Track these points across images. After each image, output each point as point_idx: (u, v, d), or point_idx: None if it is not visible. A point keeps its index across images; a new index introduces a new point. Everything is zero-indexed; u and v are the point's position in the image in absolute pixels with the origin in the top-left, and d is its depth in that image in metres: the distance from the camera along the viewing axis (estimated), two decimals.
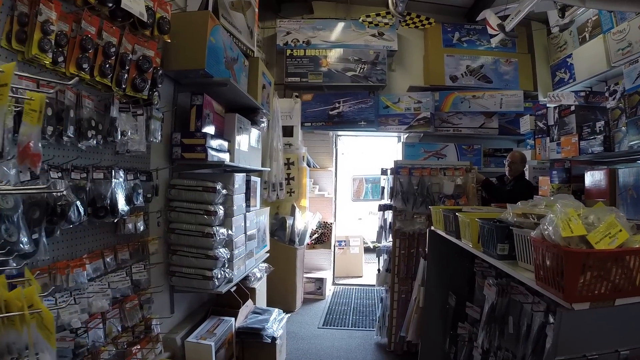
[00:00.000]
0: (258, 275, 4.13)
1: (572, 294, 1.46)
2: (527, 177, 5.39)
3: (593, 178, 3.92)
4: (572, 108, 4.38)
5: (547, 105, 4.88)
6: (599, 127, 3.93)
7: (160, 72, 2.57)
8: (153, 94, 2.51)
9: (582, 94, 4.35)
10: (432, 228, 3.45)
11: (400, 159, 6.38)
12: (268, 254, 4.51)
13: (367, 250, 8.24)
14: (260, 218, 4.17)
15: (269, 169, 5.59)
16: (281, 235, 5.95)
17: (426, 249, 3.62)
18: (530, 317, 2.07)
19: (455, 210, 2.90)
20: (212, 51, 2.99)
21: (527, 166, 5.44)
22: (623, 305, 1.51)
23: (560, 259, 1.48)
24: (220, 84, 3.12)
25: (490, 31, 5.26)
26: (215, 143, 3.08)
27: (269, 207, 4.80)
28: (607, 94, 3.88)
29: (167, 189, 2.98)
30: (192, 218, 2.95)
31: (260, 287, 4.49)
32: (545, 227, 1.59)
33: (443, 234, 3.11)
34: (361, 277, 7.82)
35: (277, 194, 5.81)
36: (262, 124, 4.27)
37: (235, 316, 3.62)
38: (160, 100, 2.62)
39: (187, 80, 3.12)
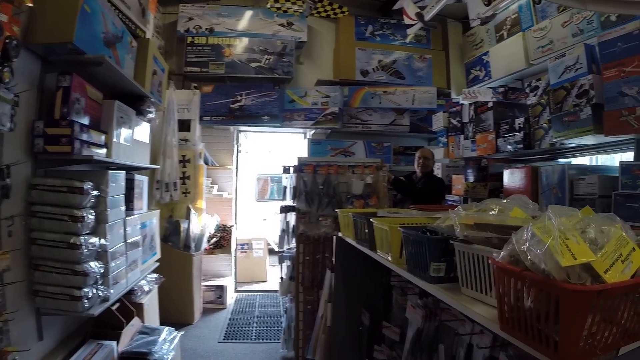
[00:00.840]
0: (146, 288, 3.57)
1: (572, 352, 0.98)
2: (439, 175, 5.33)
3: (513, 176, 3.79)
4: (490, 104, 4.26)
5: (462, 101, 4.76)
6: (519, 124, 3.82)
7: (15, 42, 2.04)
8: (2, 70, 2.01)
9: (501, 90, 4.25)
10: (340, 235, 3.10)
11: (306, 156, 5.98)
12: (158, 263, 3.95)
13: (272, 252, 7.81)
14: (147, 222, 3.63)
15: (159, 167, 5.09)
16: (175, 240, 5.42)
17: (333, 259, 3.25)
18: (469, 349, 1.78)
19: (369, 214, 2.57)
20: (86, 22, 2.52)
21: (439, 164, 5.42)
22: (629, 353, 1.09)
23: (555, 300, 0.98)
24: (94, 62, 2.63)
25: (407, 20, 5.03)
26: (87, 134, 2.56)
27: (159, 210, 4.20)
28: (527, 90, 3.79)
29: (27, 190, 2.42)
30: (56, 225, 2.41)
31: (150, 302, 3.96)
32: (528, 249, 1.05)
33: (353, 242, 2.75)
34: (265, 281, 7.51)
35: (171, 195, 5.29)
36: (150, 115, 3.71)
37: (118, 339, 3.10)
38: (15, 78, 2.09)
39: (56, 57, 2.57)
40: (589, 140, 3.23)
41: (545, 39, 4.26)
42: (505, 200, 1.64)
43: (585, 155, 3.91)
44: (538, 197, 3.43)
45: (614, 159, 3.85)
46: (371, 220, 2.33)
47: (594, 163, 4.09)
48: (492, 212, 1.54)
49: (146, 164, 3.90)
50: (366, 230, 2.45)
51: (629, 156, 3.12)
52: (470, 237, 1.43)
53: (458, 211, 1.57)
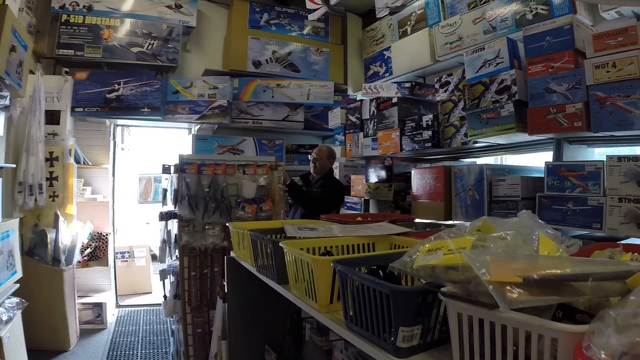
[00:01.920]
0: (4, 317, 2.95)
1: None
2: (335, 176, 4.96)
3: (422, 177, 3.57)
4: (395, 100, 4.08)
5: (362, 97, 4.58)
6: (427, 121, 3.67)
7: None
8: None
9: (407, 85, 4.11)
10: (233, 255, 2.61)
11: (190, 154, 5.46)
12: (19, 284, 3.30)
13: (157, 259, 7.18)
14: (2, 235, 3.00)
15: (18, 166, 4.30)
16: (42, 253, 4.53)
17: (224, 283, 2.78)
18: None
19: (271, 230, 2.27)
20: None
21: (336, 163, 5.06)
22: None
23: None
24: None
25: (309, 5, 4.80)
26: None
27: (18, 219, 3.59)
28: (437, 86, 3.65)
29: None
30: None
31: (13, 333, 3.19)
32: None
33: (251, 269, 2.22)
34: (150, 292, 6.88)
35: (36, 199, 4.44)
36: (3, 101, 3.13)
37: None
38: None
39: None
40: (507, 138, 3.14)
41: (455, 35, 4.16)
42: (514, 219, 1.27)
43: (492, 155, 3.85)
44: (452, 200, 3.29)
45: (522, 160, 3.84)
46: (281, 245, 1.72)
47: (499, 163, 4.03)
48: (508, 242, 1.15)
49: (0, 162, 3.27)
50: (271, 257, 1.91)
51: (546, 156, 3.06)
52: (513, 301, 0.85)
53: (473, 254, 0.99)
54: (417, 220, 3.06)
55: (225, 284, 2.74)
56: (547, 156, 2.99)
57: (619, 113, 2.37)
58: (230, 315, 2.70)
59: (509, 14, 3.59)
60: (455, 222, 3.31)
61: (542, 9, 3.30)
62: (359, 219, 2.84)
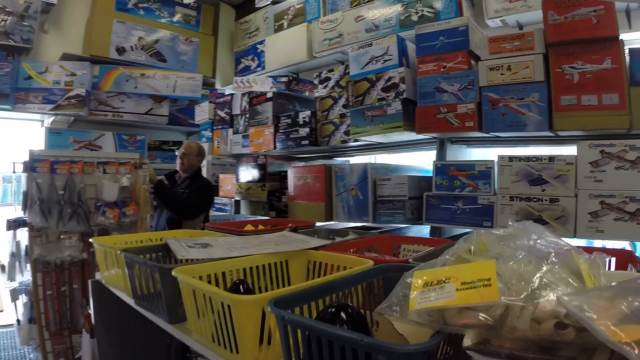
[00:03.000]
0: None
1: None
2: (204, 175, 4.50)
3: (300, 176, 3.39)
4: (269, 95, 3.85)
5: (232, 91, 4.33)
6: (304, 118, 3.49)
7: None
8: None
9: (284, 79, 3.94)
10: (99, 278, 2.11)
11: (43, 149, 4.57)
12: None
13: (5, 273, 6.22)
14: None
15: None
16: None
17: (90, 313, 2.24)
18: None
19: (153, 248, 1.85)
20: None
21: (203, 162, 4.58)
22: None
23: None
24: None
25: None
26: None
27: None
28: (316, 82, 3.52)
29: None
30: None
31: None
32: None
33: (127, 299, 1.79)
34: (2, 311, 5.80)
35: None
36: None
37: None
38: None
39: None
40: (388, 137, 3.05)
41: (335, 31, 4.02)
42: (510, 231, 1.08)
43: (369, 154, 3.77)
44: (332, 200, 3.15)
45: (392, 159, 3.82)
46: (176, 276, 1.28)
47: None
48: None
49: None
50: (158, 285, 1.47)
51: (422, 156, 3.04)
52: None
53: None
54: (317, 224, 2.83)
55: (91, 313, 2.20)
56: (424, 156, 2.99)
57: (512, 114, 2.37)
58: (101, 353, 2.18)
59: (393, 14, 3.53)
60: (336, 222, 3.22)
61: (429, 12, 3.30)
62: (249, 226, 2.60)
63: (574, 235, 2.22)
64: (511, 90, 2.39)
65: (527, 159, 2.32)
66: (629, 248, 2.41)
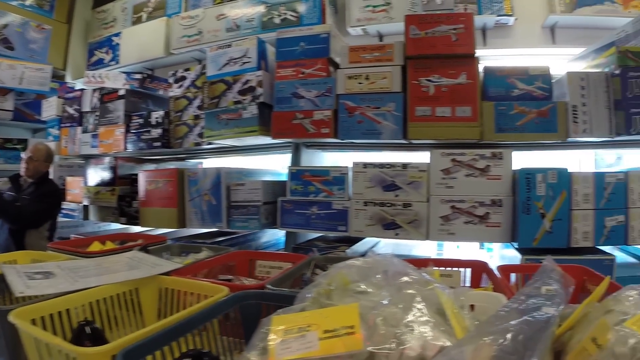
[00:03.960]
0: None
1: None
2: (52, 178, 3.84)
3: (152, 180, 3.09)
4: (122, 92, 3.54)
5: (83, 86, 3.97)
6: (157, 118, 3.24)
7: None
8: None
9: (138, 76, 3.68)
10: None
11: None
12: None
13: None
14: None
15: None
16: None
17: None
18: None
19: None
20: None
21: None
22: None
23: None
24: None
25: None
26: None
27: None
28: (171, 80, 3.30)
29: None
30: None
31: None
32: None
33: None
34: None
35: None
36: None
37: None
38: None
39: None
40: (244, 141, 2.90)
41: (194, 28, 3.84)
42: (368, 262, 1.03)
43: (223, 157, 3.54)
44: (185, 205, 2.94)
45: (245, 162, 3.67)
46: (20, 327, 1.02)
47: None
48: None
49: None
50: None
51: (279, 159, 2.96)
52: None
53: None
54: (168, 241, 2.56)
55: None
56: (281, 159, 2.92)
57: (367, 123, 2.36)
58: None
59: (256, 15, 3.43)
60: (193, 229, 3.03)
61: (292, 15, 3.25)
62: (96, 244, 2.32)
63: (427, 238, 2.27)
64: (368, 99, 2.38)
65: (381, 165, 2.32)
66: (480, 249, 2.52)
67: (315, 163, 2.89)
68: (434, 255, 2.87)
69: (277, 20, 3.33)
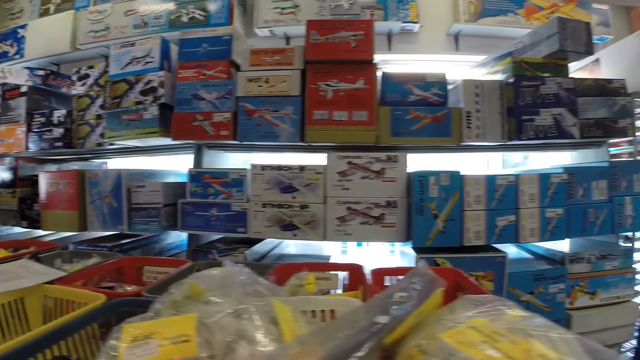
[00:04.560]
0: None
1: None
2: None
3: (52, 182, 2.91)
4: (24, 89, 3.35)
5: None
6: (59, 117, 3.10)
7: None
8: None
9: (41, 73, 3.51)
10: None
11: None
12: None
13: None
14: None
15: None
16: None
17: None
18: None
19: None
20: None
21: None
22: None
23: None
24: None
25: None
26: None
27: None
28: (74, 78, 3.18)
29: None
30: None
31: None
32: None
33: None
34: None
35: None
36: None
37: None
38: None
39: None
40: (146, 141, 2.81)
41: (102, 23, 3.70)
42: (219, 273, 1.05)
43: (127, 157, 3.43)
44: (87, 208, 2.82)
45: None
46: None
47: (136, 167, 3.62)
48: None
49: None
50: None
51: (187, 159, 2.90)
52: None
53: None
54: (58, 247, 2.43)
55: None
56: (188, 159, 2.87)
57: (266, 125, 2.35)
58: None
59: (164, 12, 3.35)
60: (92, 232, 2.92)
61: (200, 14, 3.19)
62: None
63: (324, 239, 2.29)
64: (267, 102, 2.37)
65: (279, 167, 2.32)
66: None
67: (220, 164, 2.86)
68: (338, 255, 2.91)
69: (185, 19, 3.27)
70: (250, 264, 1.74)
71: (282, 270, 1.59)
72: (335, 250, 2.94)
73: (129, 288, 1.71)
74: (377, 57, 2.40)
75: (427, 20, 3.62)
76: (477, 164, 3.55)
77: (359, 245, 3.02)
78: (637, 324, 2.69)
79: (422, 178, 2.19)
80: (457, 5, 3.64)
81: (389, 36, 3.51)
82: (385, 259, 2.76)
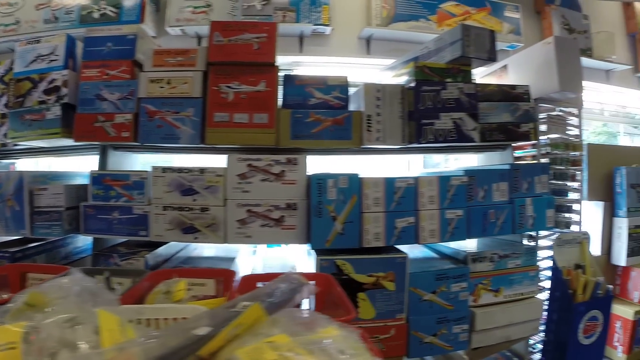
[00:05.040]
0: None
1: None
2: None
3: None
4: None
5: None
6: None
7: None
8: None
9: None
10: None
11: None
12: None
13: None
14: None
15: None
16: None
17: None
18: None
19: None
20: None
21: None
22: None
23: None
24: None
25: None
26: None
27: None
28: None
29: None
30: None
31: None
32: None
33: None
34: None
35: None
36: None
37: None
38: None
39: None
40: (52, 142, 2.72)
41: (12, 17, 3.55)
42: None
43: (34, 158, 3.31)
44: None
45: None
46: None
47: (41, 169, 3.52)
48: None
49: None
50: None
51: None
52: None
53: None
54: None
55: None
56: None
57: (167, 127, 2.32)
58: None
59: (75, 7, 3.25)
60: None
61: (112, 11, 3.11)
62: None
63: (225, 241, 2.27)
64: (169, 104, 2.33)
65: (180, 170, 2.28)
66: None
67: (127, 166, 2.80)
68: (247, 256, 2.91)
69: (96, 15, 3.18)
70: (123, 271, 1.72)
71: (154, 277, 1.56)
72: (246, 252, 2.93)
73: (5, 296, 1.67)
74: (289, 59, 2.41)
75: (340, 23, 3.65)
76: (396, 166, 3.60)
77: (270, 246, 3.02)
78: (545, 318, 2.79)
79: (320, 181, 2.20)
80: (370, 9, 3.69)
81: (301, 38, 3.51)
82: (300, 259, 2.75)
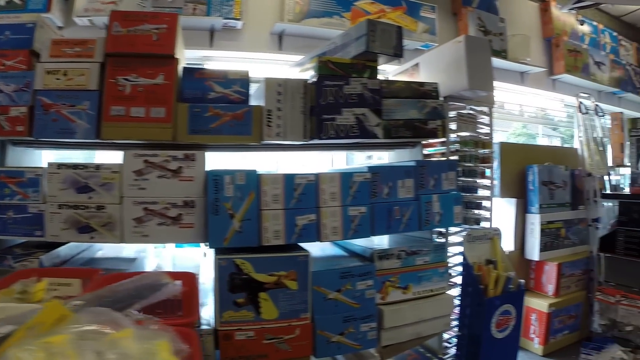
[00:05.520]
0: None
1: None
2: None
3: None
4: None
5: None
6: None
7: None
8: None
9: None
10: None
11: None
12: None
13: None
14: None
15: None
16: None
17: None
18: None
19: None
20: None
21: None
22: None
23: None
24: None
25: None
26: None
27: None
28: None
29: None
30: None
31: None
32: None
33: None
34: None
35: None
36: None
37: None
38: None
39: None
40: None
41: None
42: None
43: None
44: None
45: None
46: None
47: None
48: None
49: None
50: None
51: None
52: None
53: None
54: None
55: None
56: None
57: (62, 121, 2.23)
58: None
59: None
60: None
61: None
62: None
63: (122, 241, 2.20)
64: (65, 97, 2.24)
65: (75, 166, 2.19)
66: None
67: (29, 162, 2.70)
68: (155, 256, 2.85)
69: (2, 2, 3.06)
70: None
71: (15, 277, 1.51)
72: (154, 252, 2.87)
73: None
74: (199, 53, 2.36)
75: (252, 18, 3.62)
76: (318, 164, 3.59)
77: (178, 246, 2.97)
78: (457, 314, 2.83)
79: (216, 177, 2.16)
80: (283, 5, 3.69)
81: (212, 32, 3.47)
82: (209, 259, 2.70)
